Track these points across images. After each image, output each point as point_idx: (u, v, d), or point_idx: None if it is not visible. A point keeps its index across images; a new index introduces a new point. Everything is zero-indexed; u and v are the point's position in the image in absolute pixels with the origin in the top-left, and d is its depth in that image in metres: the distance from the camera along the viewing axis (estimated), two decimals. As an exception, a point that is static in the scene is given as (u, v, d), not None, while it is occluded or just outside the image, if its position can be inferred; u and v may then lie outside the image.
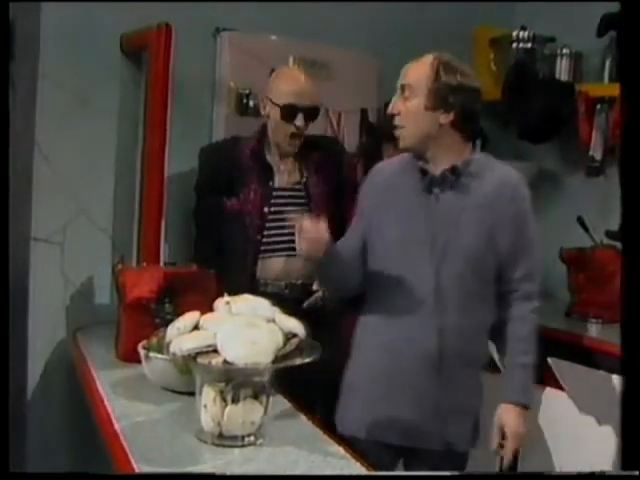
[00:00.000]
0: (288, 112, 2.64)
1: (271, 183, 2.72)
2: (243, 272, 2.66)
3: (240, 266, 2.66)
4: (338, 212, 2.70)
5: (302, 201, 2.73)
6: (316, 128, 3.09)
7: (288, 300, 2.45)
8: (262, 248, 2.68)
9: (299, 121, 2.65)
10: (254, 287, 2.58)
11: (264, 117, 2.74)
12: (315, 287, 2.64)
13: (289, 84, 2.67)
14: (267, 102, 2.70)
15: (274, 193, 2.72)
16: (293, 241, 2.31)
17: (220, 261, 2.65)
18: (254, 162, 2.72)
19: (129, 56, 3.02)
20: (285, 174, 2.75)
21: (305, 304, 2.62)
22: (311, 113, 2.70)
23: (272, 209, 2.69)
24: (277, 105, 2.65)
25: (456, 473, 1.94)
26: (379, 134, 2.87)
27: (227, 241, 2.74)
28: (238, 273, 2.64)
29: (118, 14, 2.91)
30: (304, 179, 2.76)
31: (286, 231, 2.53)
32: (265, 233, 2.68)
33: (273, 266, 2.69)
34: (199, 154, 2.83)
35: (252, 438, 1.82)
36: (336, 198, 2.80)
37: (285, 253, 2.66)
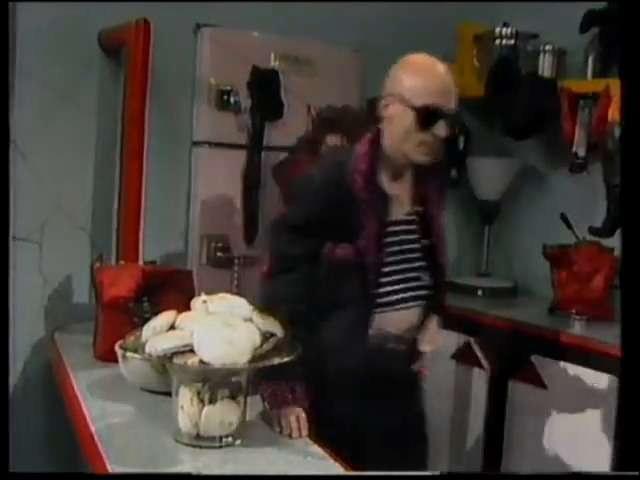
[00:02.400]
0: (427, 117, 2.01)
1: (386, 217, 2.10)
2: (355, 329, 2.12)
3: (352, 323, 2.11)
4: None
5: (415, 237, 2.15)
6: (296, 126, 3.09)
7: (397, 354, 2.15)
8: (377, 301, 2.11)
9: (440, 130, 2.02)
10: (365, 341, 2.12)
11: (382, 121, 2.09)
12: (422, 348, 2.22)
13: (430, 80, 2.03)
14: (392, 102, 2.06)
15: (389, 229, 2.11)
16: (406, 290, 2.07)
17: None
18: (368, 192, 2.07)
19: (108, 53, 2.98)
20: (399, 202, 2.14)
21: (414, 366, 2.23)
22: (455, 120, 2.06)
23: (387, 250, 2.10)
24: (412, 107, 2.01)
25: (455, 473, 1.93)
26: (327, 125, 2.69)
27: (330, 293, 2.12)
28: (349, 329, 2.12)
29: (97, 10, 2.87)
30: (419, 208, 2.16)
31: (400, 277, 2.12)
32: (380, 281, 2.10)
33: (384, 320, 2.13)
34: (295, 186, 2.25)
35: (230, 439, 1.79)
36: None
37: (400, 305, 2.14)
